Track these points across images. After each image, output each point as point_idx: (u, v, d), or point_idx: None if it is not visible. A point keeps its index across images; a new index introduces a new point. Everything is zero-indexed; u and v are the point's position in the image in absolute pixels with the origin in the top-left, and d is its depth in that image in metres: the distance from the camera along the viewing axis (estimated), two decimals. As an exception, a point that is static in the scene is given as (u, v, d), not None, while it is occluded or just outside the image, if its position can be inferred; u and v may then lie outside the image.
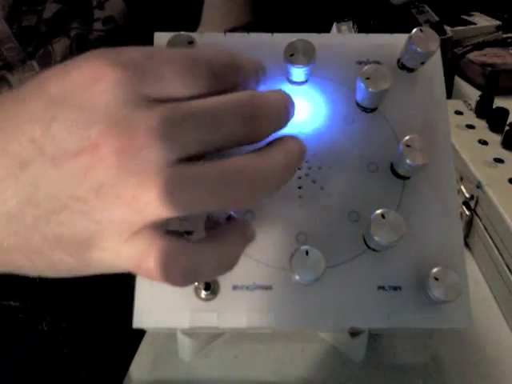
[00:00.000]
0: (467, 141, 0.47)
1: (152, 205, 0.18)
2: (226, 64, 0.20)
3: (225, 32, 0.32)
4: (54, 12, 0.39)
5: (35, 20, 0.39)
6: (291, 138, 0.22)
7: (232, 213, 0.25)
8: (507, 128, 0.46)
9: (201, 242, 0.21)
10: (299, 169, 0.29)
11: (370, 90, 0.27)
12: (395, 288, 0.28)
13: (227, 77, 0.20)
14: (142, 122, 0.18)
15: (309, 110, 0.30)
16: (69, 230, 0.19)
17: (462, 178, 0.46)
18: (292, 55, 0.27)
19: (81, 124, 0.18)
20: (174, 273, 0.19)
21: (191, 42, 0.28)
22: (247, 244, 0.22)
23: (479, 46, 0.70)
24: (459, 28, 0.71)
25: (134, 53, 0.19)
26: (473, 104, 0.53)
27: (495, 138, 0.47)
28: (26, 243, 0.19)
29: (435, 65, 0.31)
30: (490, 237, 0.42)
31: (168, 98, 0.19)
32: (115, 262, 0.20)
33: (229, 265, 0.21)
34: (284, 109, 0.21)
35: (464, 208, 0.45)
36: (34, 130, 0.18)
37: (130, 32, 0.44)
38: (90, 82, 0.18)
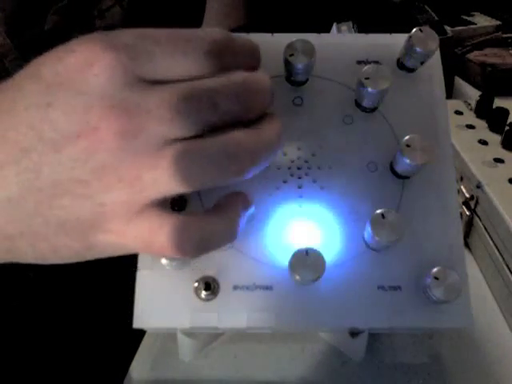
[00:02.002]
0: (467, 141, 0.47)
1: (158, 182, 0.18)
2: (221, 44, 0.20)
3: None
4: (54, 23, 0.39)
5: (37, 32, 0.39)
6: (272, 116, 0.23)
7: None
8: (507, 128, 0.46)
9: (206, 214, 0.22)
10: (299, 169, 0.29)
11: (370, 89, 0.27)
12: (395, 288, 0.28)
13: (221, 57, 0.20)
14: (139, 104, 0.18)
15: (308, 110, 0.30)
16: (72, 213, 0.19)
17: (462, 178, 0.46)
18: (292, 55, 0.27)
19: (78, 108, 0.18)
20: (187, 245, 0.19)
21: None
22: (246, 212, 0.24)
23: (479, 46, 0.70)
24: (459, 28, 0.71)
25: (126, 35, 0.19)
26: (473, 104, 0.53)
27: (495, 138, 0.47)
28: (28, 229, 0.19)
29: (435, 65, 0.31)
30: (490, 237, 0.42)
31: (162, 79, 0.19)
32: (121, 243, 0.20)
33: (233, 233, 0.22)
34: (270, 88, 0.22)
35: (464, 208, 0.45)
36: (33, 116, 0.18)
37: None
38: (84, 66, 0.18)
